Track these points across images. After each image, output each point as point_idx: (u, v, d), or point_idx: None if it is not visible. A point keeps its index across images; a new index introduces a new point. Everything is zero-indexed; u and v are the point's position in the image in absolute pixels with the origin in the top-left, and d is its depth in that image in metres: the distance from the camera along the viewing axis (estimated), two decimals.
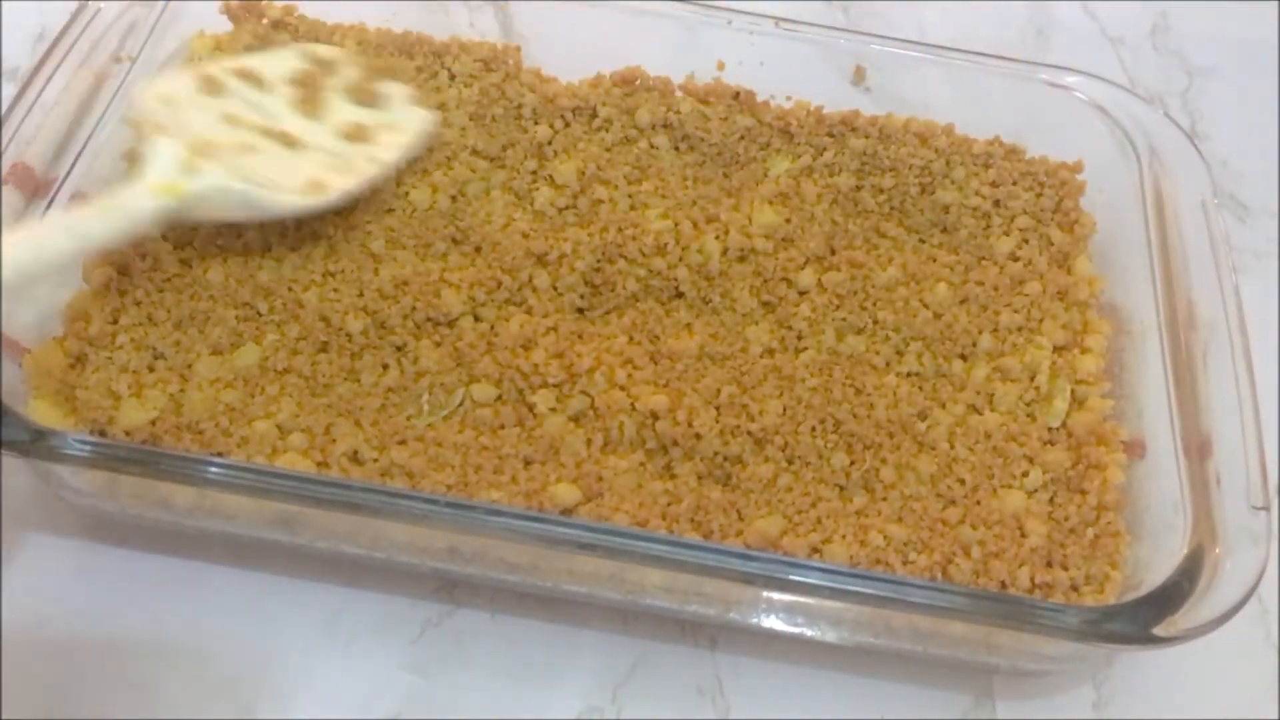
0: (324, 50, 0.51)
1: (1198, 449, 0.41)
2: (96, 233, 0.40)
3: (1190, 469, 0.41)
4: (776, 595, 0.40)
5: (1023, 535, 0.41)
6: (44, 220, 0.41)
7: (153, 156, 0.42)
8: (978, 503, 0.42)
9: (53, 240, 0.39)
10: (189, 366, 0.42)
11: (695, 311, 0.46)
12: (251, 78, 0.48)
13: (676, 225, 0.48)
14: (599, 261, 0.46)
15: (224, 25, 0.53)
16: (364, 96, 0.50)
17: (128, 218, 0.41)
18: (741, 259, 0.47)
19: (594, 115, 0.52)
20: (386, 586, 0.44)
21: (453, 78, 0.53)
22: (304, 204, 0.45)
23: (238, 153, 0.44)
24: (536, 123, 0.51)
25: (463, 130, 0.51)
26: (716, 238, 0.48)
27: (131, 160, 0.46)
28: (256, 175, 0.44)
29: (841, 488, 0.42)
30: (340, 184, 0.46)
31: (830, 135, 0.53)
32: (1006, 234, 0.50)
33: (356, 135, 0.48)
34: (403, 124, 0.50)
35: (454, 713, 0.42)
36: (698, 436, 0.42)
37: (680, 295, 0.46)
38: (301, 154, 0.46)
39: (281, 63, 0.49)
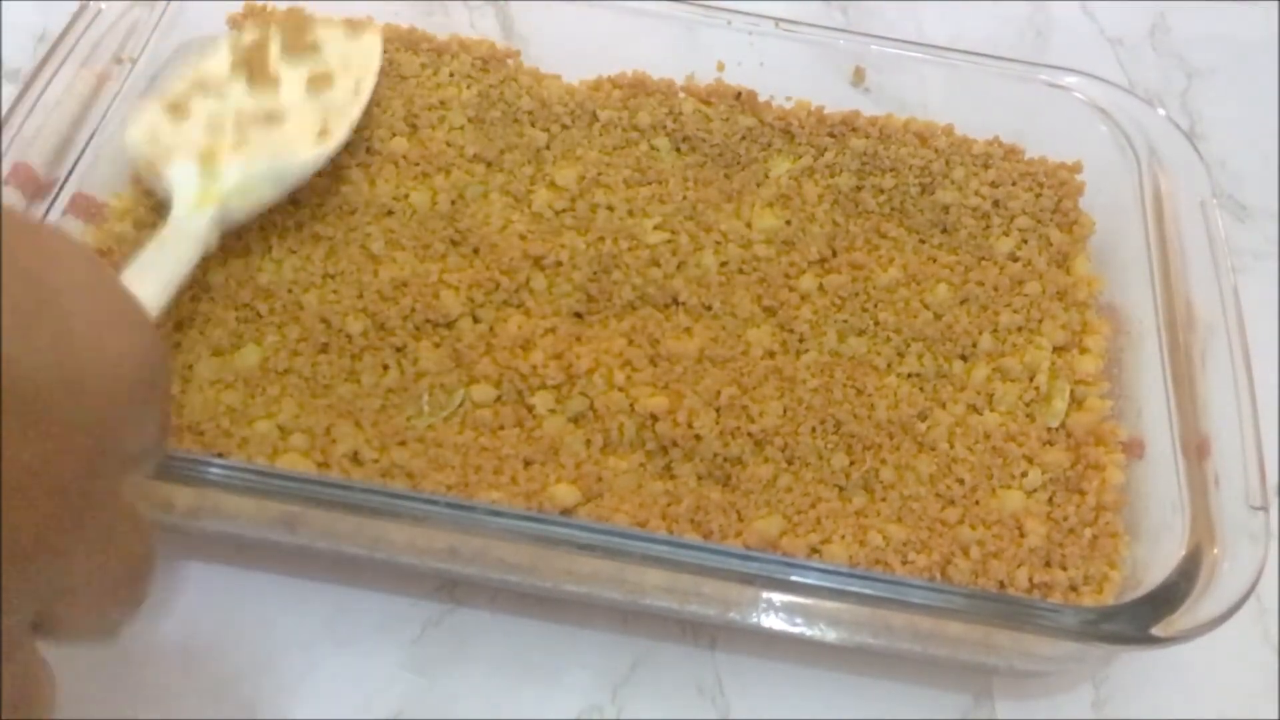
0: (247, 32, 0.51)
1: (1196, 449, 0.41)
2: (168, 268, 0.40)
3: (1189, 469, 0.41)
4: (776, 595, 0.40)
5: (1021, 535, 0.41)
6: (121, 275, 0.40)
7: (175, 181, 0.44)
8: (976, 503, 0.42)
9: (140, 290, 0.38)
10: (189, 368, 0.42)
11: (695, 316, 0.46)
12: (203, 86, 0.48)
13: (674, 236, 0.48)
14: (595, 272, 0.46)
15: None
16: (304, 49, 0.51)
17: (185, 241, 0.42)
18: (741, 272, 0.47)
19: (594, 119, 0.52)
20: (386, 586, 0.44)
21: (451, 76, 0.53)
22: (323, 152, 0.47)
23: (239, 147, 0.45)
24: (534, 124, 0.51)
25: (461, 130, 0.51)
26: (714, 251, 0.48)
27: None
28: (268, 152, 0.45)
29: (841, 488, 0.42)
30: (342, 125, 0.48)
31: (831, 135, 0.53)
32: (1006, 234, 0.50)
33: (323, 83, 0.49)
34: (356, 59, 0.51)
35: (454, 713, 0.42)
36: (697, 438, 0.42)
37: (679, 303, 0.46)
38: (289, 120, 0.47)
39: (217, 59, 0.50)
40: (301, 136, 0.47)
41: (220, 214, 0.43)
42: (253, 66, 0.49)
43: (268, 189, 0.45)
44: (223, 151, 0.45)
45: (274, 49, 0.50)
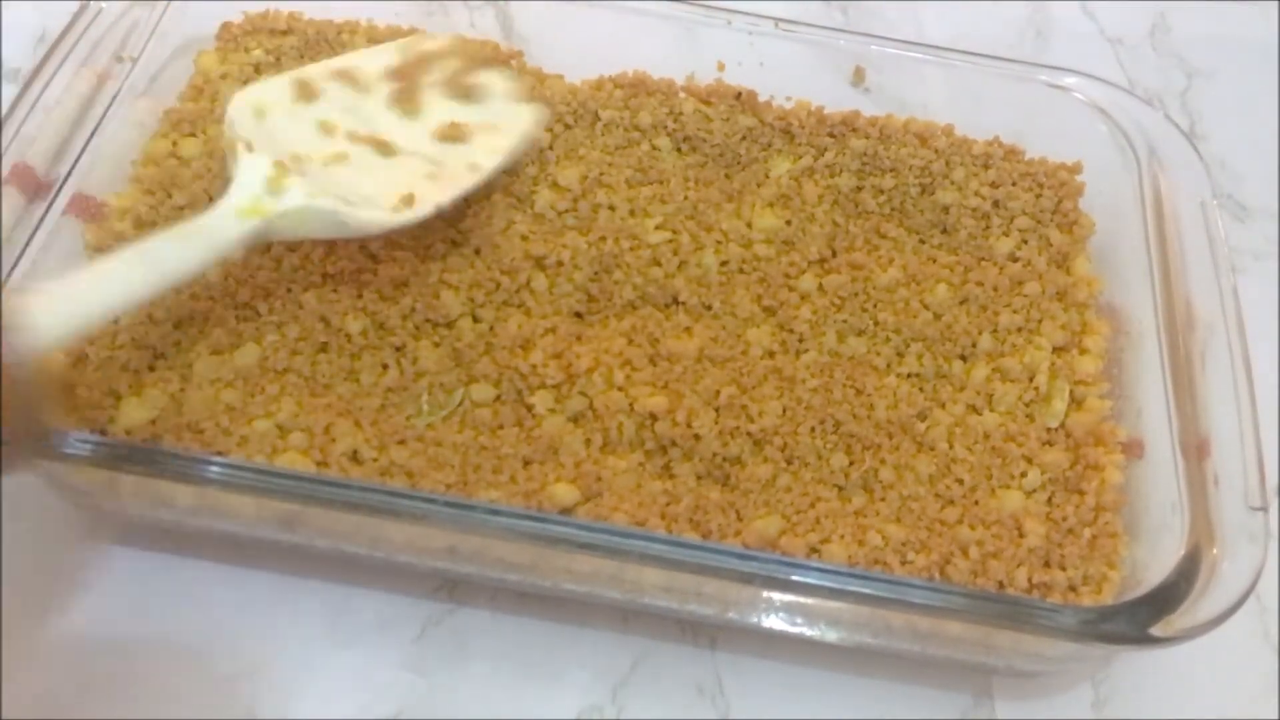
0: (428, 42, 0.49)
1: (1195, 449, 0.41)
2: (176, 261, 0.38)
3: (1188, 469, 0.41)
4: (775, 595, 0.40)
5: (1021, 535, 0.41)
6: (118, 252, 0.37)
7: (240, 175, 0.40)
8: (976, 503, 0.42)
9: (128, 273, 0.36)
10: (189, 366, 0.42)
11: (695, 316, 0.46)
12: (348, 78, 0.46)
13: (675, 235, 0.48)
14: (596, 272, 0.46)
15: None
16: (464, 90, 0.48)
17: (212, 243, 0.38)
18: (741, 271, 0.48)
19: (596, 119, 0.52)
20: (387, 585, 0.44)
21: None
22: (393, 221, 0.43)
23: (329, 165, 0.43)
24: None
25: None
26: (715, 250, 0.48)
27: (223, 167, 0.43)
28: (346, 190, 0.42)
29: (840, 488, 0.42)
30: (434, 196, 0.44)
31: (831, 135, 0.53)
32: (1006, 235, 0.50)
33: (455, 136, 0.46)
34: (505, 123, 0.47)
35: (454, 713, 0.42)
36: (697, 437, 0.42)
37: (680, 303, 0.46)
38: (396, 162, 0.44)
39: (380, 58, 0.48)
40: (384, 193, 0.43)
41: (262, 230, 0.40)
42: (406, 82, 0.46)
43: (319, 228, 0.42)
44: (308, 164, 0.42)
45: (437, 75, 0.47)
